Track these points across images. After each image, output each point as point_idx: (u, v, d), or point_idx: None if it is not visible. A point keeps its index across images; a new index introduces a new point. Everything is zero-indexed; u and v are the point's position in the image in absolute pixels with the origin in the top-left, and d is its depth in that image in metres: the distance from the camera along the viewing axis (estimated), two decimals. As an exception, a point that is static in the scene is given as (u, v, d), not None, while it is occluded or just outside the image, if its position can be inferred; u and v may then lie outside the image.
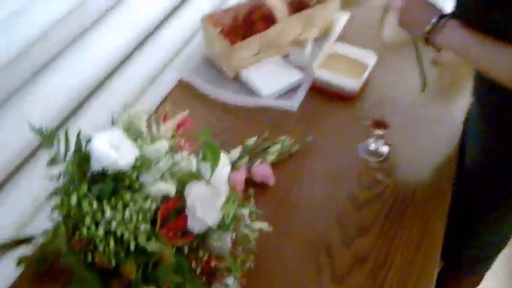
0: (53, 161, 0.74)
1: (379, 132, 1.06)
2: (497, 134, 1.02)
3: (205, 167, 0.78)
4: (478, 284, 1.38)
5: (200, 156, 0.78)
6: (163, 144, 0.77)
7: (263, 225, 0.87)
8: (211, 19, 1.27)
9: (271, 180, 1.03)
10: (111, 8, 1.13)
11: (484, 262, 1.28)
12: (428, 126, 1.17)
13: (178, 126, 0.87)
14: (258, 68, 1.26)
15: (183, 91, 1.25)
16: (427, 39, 0.91)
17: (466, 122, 1.16)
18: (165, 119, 0.87)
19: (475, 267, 1.30)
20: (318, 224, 0.98)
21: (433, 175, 1.08)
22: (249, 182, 1.01)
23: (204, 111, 1.20)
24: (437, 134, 1.15)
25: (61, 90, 1.03)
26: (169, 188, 0.74)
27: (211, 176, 0.77)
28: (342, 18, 1.42)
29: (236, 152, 1.01)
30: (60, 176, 0.74)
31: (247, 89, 1.23)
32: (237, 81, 1.25)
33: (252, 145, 1.08)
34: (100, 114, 1.11)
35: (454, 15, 0.90)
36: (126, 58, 1.17)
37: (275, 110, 1.19)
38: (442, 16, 0.89)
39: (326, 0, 1.34)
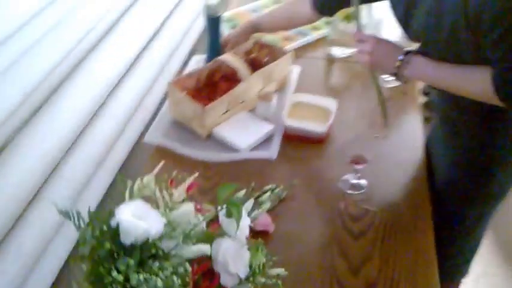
0: (83, 243, 0.74)
1: (358, 167, 1.15)
2: (466, 148, 1.16)
3: (229, 223, 0.82)
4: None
5: (224, 213, 0.81)
6: (189, 206, 0.80)
7: (280, 271, 0.90)
8: (177, 84, 1.32)
9: (272, 227, 1.08)
10: (72, 72, 1.14)
11: (464, 267, 1.39)
12: (394, 153, 1.29)
13: (188, 189, 0.90)
14: (229, 124, 1.32)
15: (162, 156, 1.27)
16: (397, 74, 1.06)
17: (430, 142, 1.29)
18: (171, 184, 0.90)
19: (454, 275, 1.41)
20: (323, 259, 1.04)
21: (411, 198, 1.18)
22: (250, 231, 1.04)
23: (187, 172, 1.23)
24: (404, 159, 1.27)
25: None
26: (205, 248, 0.76)
27: (237, 231, 0.81)
28: (295, 71, 1.53)
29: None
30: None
31: (222, 145, 1.28)
32: (211, 140, 1.30)
33: (243, 197, 1.12)
34: (73, 177, 1.10)
35: (417, 51, 1.04)
36: (90, 120, 1.18)
37: (254, 161, 1.25)
38: (407, 52, 1.03)
39: (279, 56, 1.45)
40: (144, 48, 1.43)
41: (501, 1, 0.86)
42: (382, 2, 1.21)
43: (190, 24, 1.76)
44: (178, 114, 1.34)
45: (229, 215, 0.80)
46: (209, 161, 1.25)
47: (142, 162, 1.32)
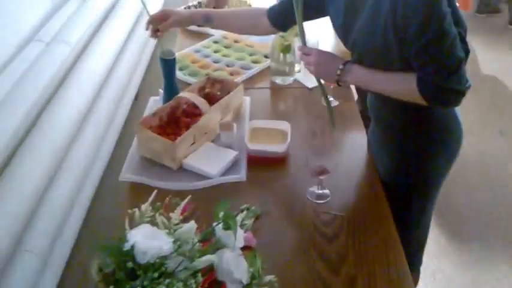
0: (100, 270, 0.80)
1: (321, 177, 1.28)
2: (399, 142, 1.35)
3: (227, 235, 0.91)
4: (417, 282, 1.65)
5: (221, 226, 0.90)
6: (192, 224, 0.88)
7: (271, 277, 1.00)
8: (144, 124, 1.40)
9: (254, 242, 1.17)
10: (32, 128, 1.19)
11: (415, 257, 1.56)
12: (346, 161, 1.44)
13: (182, 212, 0.98)
14: (197, 155, 1.41)
15: (138, 191, 1.33)
16: (338, 81, 1.25)
17: (370, 144, 1.47)
18: (166, 209, 0.98)
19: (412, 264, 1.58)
20: (305, 263, 1.14)
21: (369, 198, 1.33)
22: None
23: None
24: (356, 165, 1.44)
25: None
26: (213, 257, 0.85)
27: (235, 240, 0.90)
28: (247, 101, 1.66)
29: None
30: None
31: (194, 174, 1.37)
32: (182, 171, 1.39)
33: (222, 217, 1.21)
34: (47, 226, 1.14)
35: (353, 61, 1.25)
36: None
37: (226, 185, 1.35)
38: (346, 62, 1.23)
39: (231, 89, 1.58)
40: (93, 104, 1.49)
41: (423, 17, 1.06)
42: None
43: (131, 75, 1.85)
44: (147, 152, 1.42)
45: (227, 227, 0.89)
46: (184, 190, 1.33)
47: (109, 199, 1.37)
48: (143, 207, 0.94)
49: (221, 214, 0.90)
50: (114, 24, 1.71)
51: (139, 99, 1.81)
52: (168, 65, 1.51)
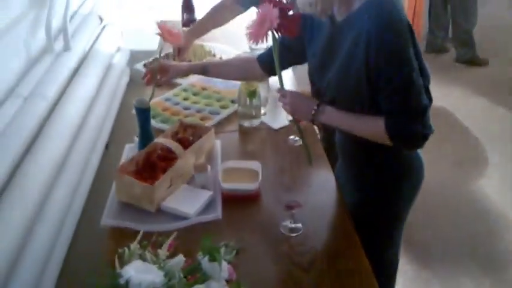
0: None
1: (293, 211, 1.38)
2: (363, 190, 1.49)
3: (212, 267, 0.98)
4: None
5: (207, 259, 0.97)
6: (180, 257, 0.95)
7: (253, 306, 1.07)
8: (121, 171, 1.47)
9: (234, 276, 1.23)
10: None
11: (388, 282, 1.66)
12: (315, 194, 1.54)
13: (168, 248, 1.04)
14: (174, 197, 1.48)
15: (118, 234, 1.38)
16: (313, 121, 1.40)
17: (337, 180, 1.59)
18: (153, 246, 1.04)
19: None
20: (285, 293, 1.22)
21: (339, 229, 1.43)
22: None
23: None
24: (325, 197, 1.54)
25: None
26: (201, 287, 0.91)
27: (221, 271, 0.97)
28: (217, 144, 1.76)
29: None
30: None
31: (172, 216, 1.43)
32: (160, 213, 1.45)
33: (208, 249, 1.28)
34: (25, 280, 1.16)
35: (328, 100, 1.39)
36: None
37: (203, 224, 1.42)
38: (319, 104, 1.36)
39: (202, 133, 1.67)
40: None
41: (394, 66, 1.21)
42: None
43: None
44: (126, 196, 1.48)
45: (213, 259, 0.97)
46: (163, 231, 1.38)
47: (86, 245, 1.41)
48: (132, 246, 1.01)
49: (206, 247, 0.97)
50: (84, 79, 1.80)
51: (109, 148, 1.88)
52: (143, 113, 1.59)
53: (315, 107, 1.38)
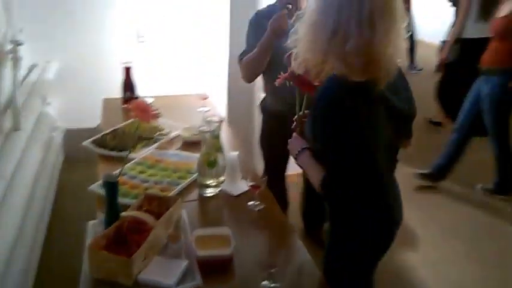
0: None
1: (271, 270, 1.43)
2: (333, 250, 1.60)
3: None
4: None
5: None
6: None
7: None
8: (94, 246, 1.45)
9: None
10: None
11: None
12: (288, 254, 1.61)
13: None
14: (150, 268, 1.48)
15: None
16: (295, 158, 1.61)
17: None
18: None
19: None
20: None
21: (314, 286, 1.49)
22: None
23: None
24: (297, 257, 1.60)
25: None
26: None
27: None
28: (184, 213, 1.79)
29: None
30: None
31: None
32: (138, 286, 1.43)
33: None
34: None
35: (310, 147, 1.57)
36: None
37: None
38: (304, 148, 1.57)
39: (169, 204, 1.71)
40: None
41: (322, 127, 1.41)
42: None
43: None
44: (100, 272, 1.45)
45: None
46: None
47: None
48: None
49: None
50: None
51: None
52: (111, 187, 1.60)
53: (299, 149, 1.60)
